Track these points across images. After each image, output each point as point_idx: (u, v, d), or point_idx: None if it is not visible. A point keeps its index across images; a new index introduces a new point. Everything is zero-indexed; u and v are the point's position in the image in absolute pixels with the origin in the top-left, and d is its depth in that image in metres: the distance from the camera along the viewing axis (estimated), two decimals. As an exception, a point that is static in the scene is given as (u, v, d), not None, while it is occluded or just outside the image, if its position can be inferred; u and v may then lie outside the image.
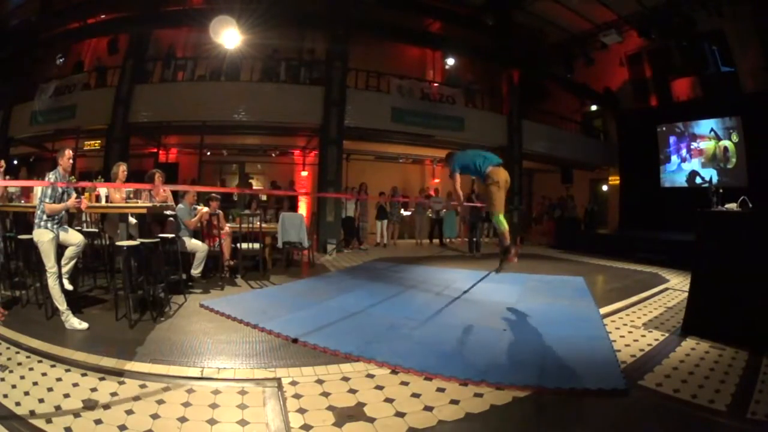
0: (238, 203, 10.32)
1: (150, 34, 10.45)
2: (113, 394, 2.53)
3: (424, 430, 2.25)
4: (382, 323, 4.04)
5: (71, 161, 3.98)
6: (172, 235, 4.95)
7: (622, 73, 13.72)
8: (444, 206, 11.57)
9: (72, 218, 5.35)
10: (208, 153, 11.77)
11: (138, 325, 3.81)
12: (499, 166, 4.59)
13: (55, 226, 3.80)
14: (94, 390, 2.57)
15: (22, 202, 5.22)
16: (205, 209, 5.80)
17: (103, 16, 11.21)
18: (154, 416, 2.31)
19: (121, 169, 5.13)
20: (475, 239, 9.64)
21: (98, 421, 2.24)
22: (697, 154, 12.42)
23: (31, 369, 2.84)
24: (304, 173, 12.46)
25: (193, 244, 5.49)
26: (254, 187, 12.62)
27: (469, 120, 11.49)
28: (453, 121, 11.23)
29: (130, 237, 4.49)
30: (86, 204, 4.16)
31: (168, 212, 5.34)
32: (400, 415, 2.37)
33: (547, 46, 13.38)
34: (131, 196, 4.96)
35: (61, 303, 3.69)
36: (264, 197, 11.07)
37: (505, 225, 4.44)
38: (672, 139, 12.98)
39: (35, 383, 2.63)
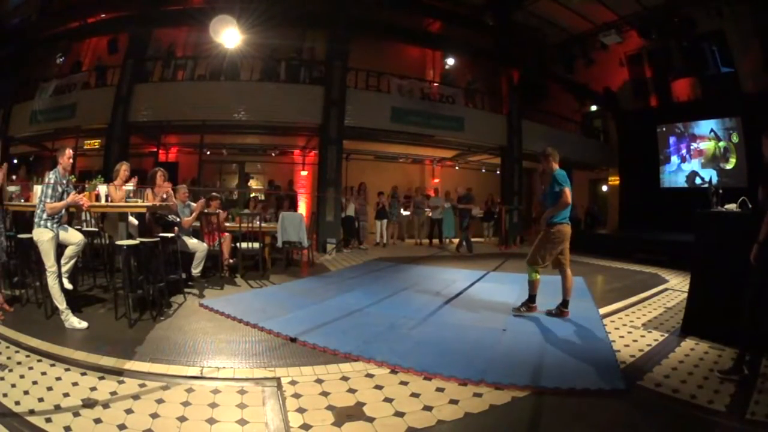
0: (238, 202, 10.30)
1: (150, 34, 10.44)
2: (113, 393, 2.53)
3: (424, 429, 2.25)
4: (381, 323, 4.04)
5: (71, 160, 3.99)
6: (172, 235, 4.95)
7: (622, 74, 13.72)
8: (443, 206, 11.58)
9: (72, 217, 5.35)
10: (208, 152, 11.76)
11: (137, 325, 3.82)
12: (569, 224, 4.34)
13: (54, 225, 3.80)
14: (93, 389, 2.57)
15: (22, 201, 5.21)
16: (199, 203, 5.80)
17: (103, 16, 11.22)
18: (154, 415, 2.31)
19: (123, 168, 5.12)
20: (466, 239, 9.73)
21: (98, 420, 2.24)
22: (697, 155, 12.43)
23: (30, 368, 2.84)
24: (304, 173, 12.45)
25: (192, 243, 5.49)
26: (254, 187, 12.62)
27: (469, 120, 11.49)
28: (453, 121, 11.23)
29: (129, 236, 4.49)
30: (88, 203, 4.15)
31: (171, 217, 5.35)
32: (399, 414, 2.38)
33: (547, 46, 13.38)
34: (131, 195, 4.96)
35: (60, 302, 3.69)
36: (263, 196, 11.06)
37: (537, 276, 4.31)
38: (672, 140, 12.99)
39: (35, 382, 2.63)
